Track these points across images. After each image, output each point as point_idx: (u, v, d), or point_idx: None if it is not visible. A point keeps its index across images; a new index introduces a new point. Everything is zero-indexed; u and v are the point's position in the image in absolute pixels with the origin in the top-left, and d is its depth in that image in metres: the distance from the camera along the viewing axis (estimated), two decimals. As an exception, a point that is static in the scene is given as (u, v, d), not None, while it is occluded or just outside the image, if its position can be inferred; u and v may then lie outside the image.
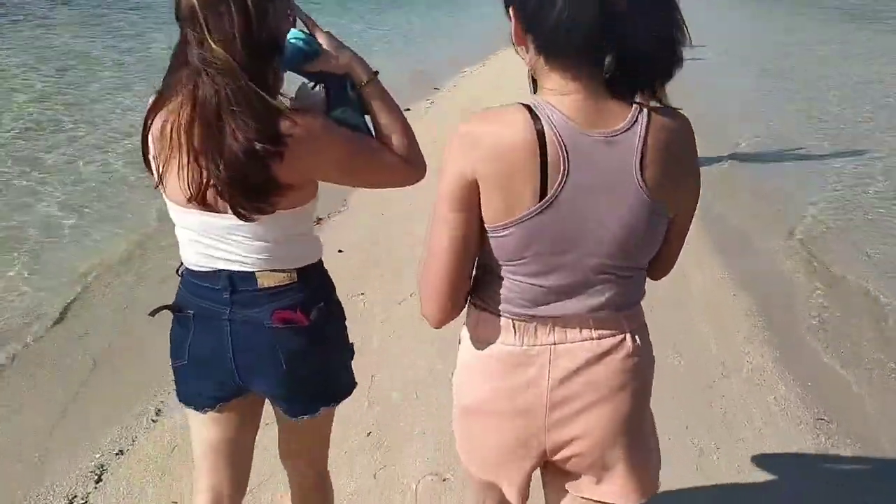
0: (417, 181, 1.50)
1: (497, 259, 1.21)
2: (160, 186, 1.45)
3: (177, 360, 1.59)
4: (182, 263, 1.55)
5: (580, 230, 1.15)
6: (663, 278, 1.40)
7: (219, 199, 1.38)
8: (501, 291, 1.24)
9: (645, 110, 1.14)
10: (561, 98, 1.13)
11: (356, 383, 1.69)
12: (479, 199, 1.16)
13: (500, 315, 1.26)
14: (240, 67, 1.28)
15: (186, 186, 1.38)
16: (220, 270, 1.47)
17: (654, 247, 1.23)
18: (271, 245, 1.45)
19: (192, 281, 1.52)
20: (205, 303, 1.51)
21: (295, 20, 1.41)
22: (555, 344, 1.24)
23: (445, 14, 21.99)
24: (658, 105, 1.16)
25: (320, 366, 1.58)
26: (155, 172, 1.44)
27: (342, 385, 1.66)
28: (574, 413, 1.26)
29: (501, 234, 1.17)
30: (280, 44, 1.35)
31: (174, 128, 1.36)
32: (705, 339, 3.55)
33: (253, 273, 1.46)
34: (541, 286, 1.20)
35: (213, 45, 1.28)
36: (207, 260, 1.48)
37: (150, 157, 1.44)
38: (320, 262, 1.57)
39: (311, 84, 1.44)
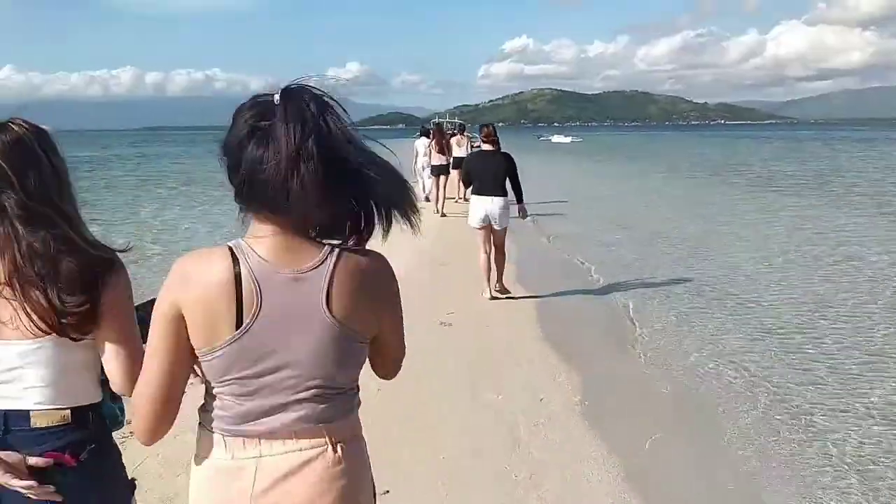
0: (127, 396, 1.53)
1: (209, 380, 1.35)
2: None
3: None
4: None
5: (275, 356, 1.30)
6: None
7: (4, 327, 1.48)
8: (215, 409, 1.36)
9: (336, 251, 1.31)
10: (259, 240, 1.30)
11: None
12: (186, 327, 1.30)
13: (213, 431, 1.36)
14: (57, 216, 1.50)
15: None
16: None
17: (353, 368, 1.38)
18: (52, 376, 1.51)
19: None
20: None
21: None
22: (260, 457, 1.34)
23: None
24: (353, 246, 1.33)
25: None
26: None
27: None
28: None
29: (207, 358, 1.31)
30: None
31: None
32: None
33: (28, 412, 1.51)
34: (245, 405, 1.33)
35: (26, 201, 1.49)
36: None
37: None
38: (98, 405, 1.60)
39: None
